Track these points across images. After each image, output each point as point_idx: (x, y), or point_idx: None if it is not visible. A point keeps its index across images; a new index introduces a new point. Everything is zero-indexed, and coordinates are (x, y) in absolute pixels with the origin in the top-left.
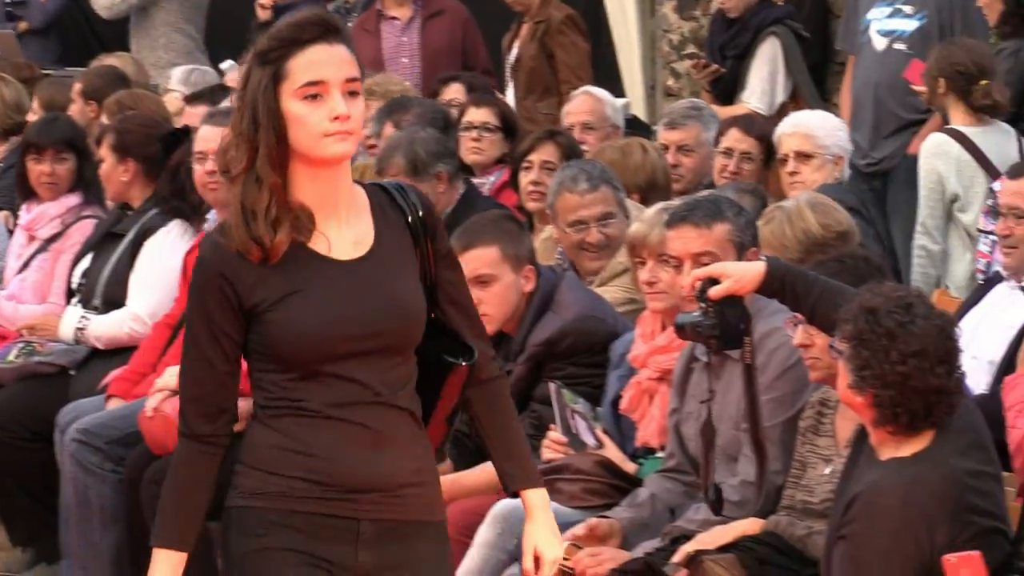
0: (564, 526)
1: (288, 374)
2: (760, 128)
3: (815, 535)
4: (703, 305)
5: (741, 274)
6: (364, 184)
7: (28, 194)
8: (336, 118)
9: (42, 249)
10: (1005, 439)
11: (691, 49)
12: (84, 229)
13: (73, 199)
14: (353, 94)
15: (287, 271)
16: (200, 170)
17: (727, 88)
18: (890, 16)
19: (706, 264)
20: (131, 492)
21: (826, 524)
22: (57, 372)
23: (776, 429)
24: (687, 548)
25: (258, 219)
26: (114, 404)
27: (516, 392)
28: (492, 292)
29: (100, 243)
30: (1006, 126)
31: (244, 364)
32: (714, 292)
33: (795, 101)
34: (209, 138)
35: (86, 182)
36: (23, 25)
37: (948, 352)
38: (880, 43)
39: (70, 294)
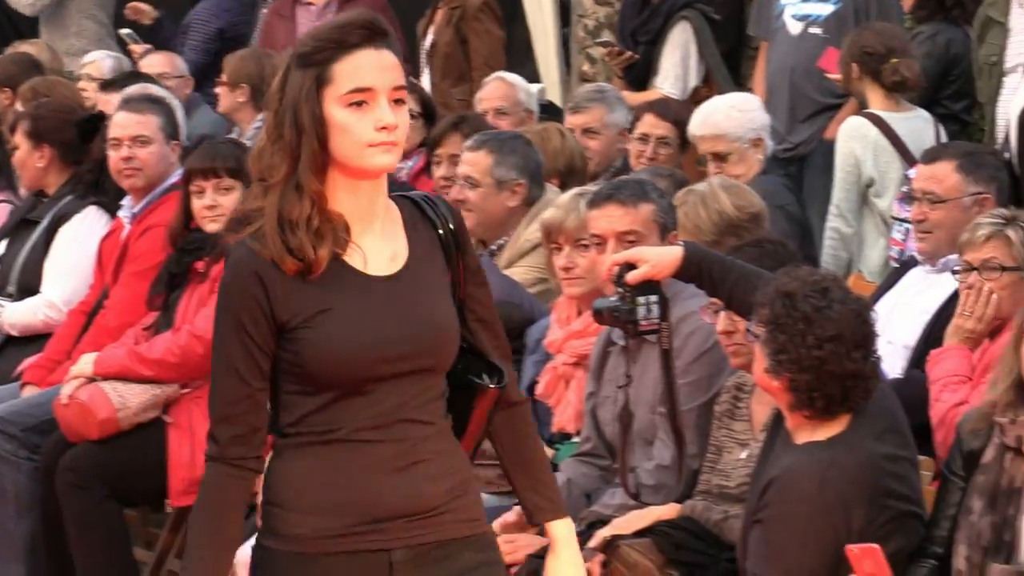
0: (488, 512)
1: (318, 396)
2: (675, 113)
3: (731, 519)
4: (620, 290)
5: (658, 259)
6: (391, 196)
7: None
8: (383, 128)
9: None
10: (921, 423)
11: (606, 35)
12: None
13: None
14: (399, 102)
15: (322, 286)
16: (115, 156)
17: (640, 74)
18: (805, 0)
19: (631, 243)
20: (46, 480)
21: (742, 508)
22: None
23: (692, 413)
24: (603, 533)
25: (298, 230)
26: (29, 391)
27: None
28: None
29: (15, 230)
30: (925, 113)
31: None
32: (631, 277)
33: (708, 85)
34: (124, 124)
35: None
36: None
37: (864, 337)
38: (795, 28)
39: None
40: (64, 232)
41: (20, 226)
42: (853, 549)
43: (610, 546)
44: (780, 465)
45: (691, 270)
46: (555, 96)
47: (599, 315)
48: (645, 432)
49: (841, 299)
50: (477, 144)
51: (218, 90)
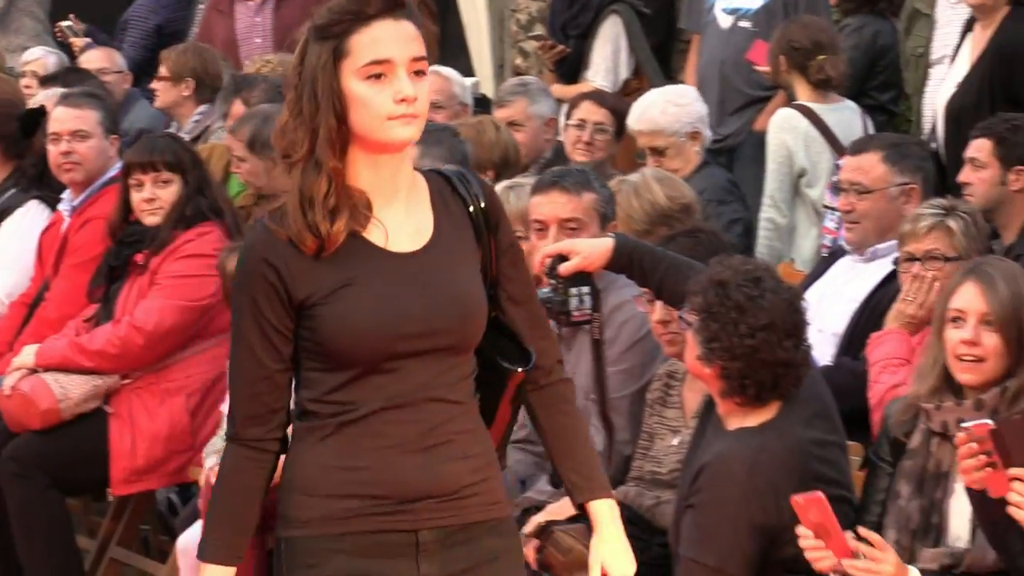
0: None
1: (338, 374)
2: (612, 101)
3: (663, 505)
4: (552, 282)
5: (589, 251)
6: (423, 171)
7: None
8: (403, 100)
9: None
10: (850, 409)
11: (539, 29)
12: None
13: None
14: (419, 74)
15: (341, 262)
16: (54, 151)
17: (572, 67)
18: None
19: (572, 231)
20: None
21: (674, 494)
22: None
23: (625, 401)
24: (538, 519)
25: (315, 206)
26: None
27: None
28: None
29: None
30: (853, 104)
31: None
32: (564, 269)
33: (638, 78)
34: (63, 119)
35: None
36: None
37: (796, 325)
38: (725, 21)
39: None
40: (6, 226)
41: None
42: (798, 500)
43: (544, 532)
44: (712, 451)
45: (622, 261)
46: (489, 90)
47: None
48: None
49: (773, 288)
50: None
51: (155, 85)
